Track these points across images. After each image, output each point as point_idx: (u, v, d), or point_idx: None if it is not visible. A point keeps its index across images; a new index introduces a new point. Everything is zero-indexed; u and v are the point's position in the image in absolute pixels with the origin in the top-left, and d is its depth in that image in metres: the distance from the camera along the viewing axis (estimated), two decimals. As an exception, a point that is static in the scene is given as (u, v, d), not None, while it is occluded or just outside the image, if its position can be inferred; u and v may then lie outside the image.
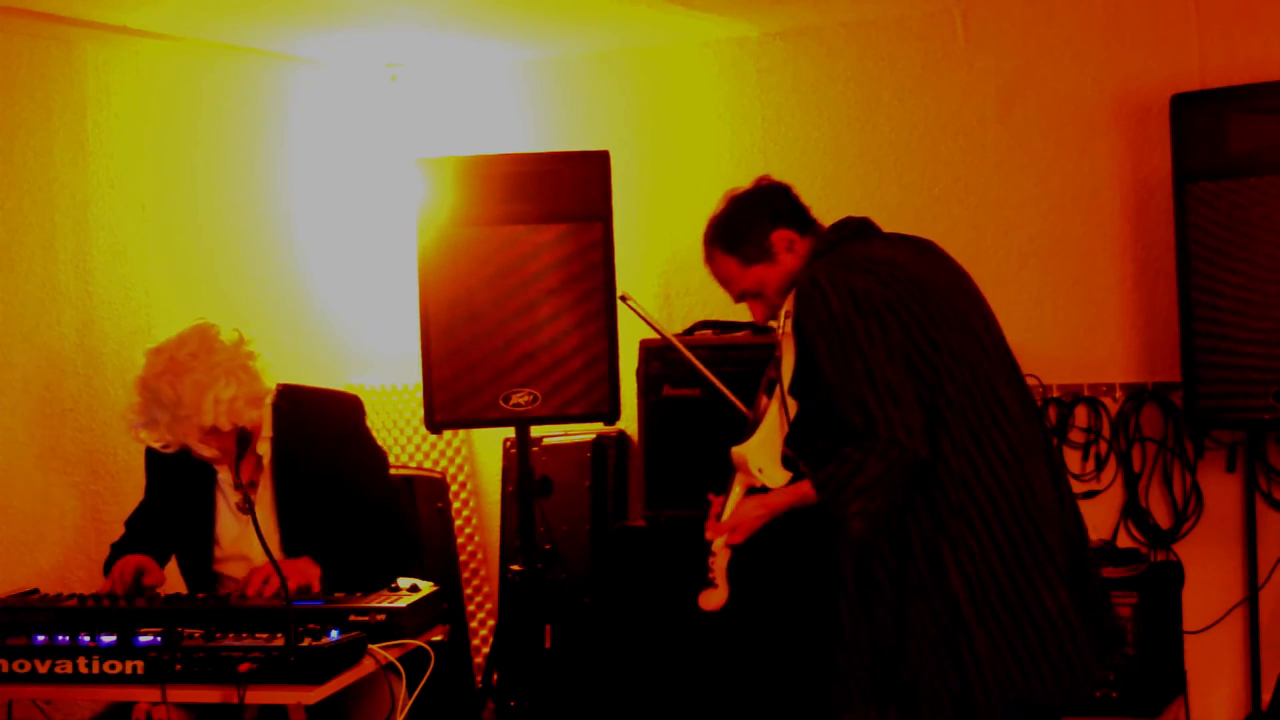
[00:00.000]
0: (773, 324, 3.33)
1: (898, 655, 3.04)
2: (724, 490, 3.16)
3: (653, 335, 4.81)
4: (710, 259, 3.35)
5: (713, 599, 3.10)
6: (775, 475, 3.13)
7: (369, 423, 3.93)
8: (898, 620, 3.04)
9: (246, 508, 3.59)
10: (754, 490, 3.14)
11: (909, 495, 3.02)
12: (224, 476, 3.71)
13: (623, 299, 3.64)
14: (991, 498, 3.02)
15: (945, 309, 3.09)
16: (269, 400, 3.68)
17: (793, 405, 3.10)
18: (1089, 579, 3.15)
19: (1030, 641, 3.01)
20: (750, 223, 3.28)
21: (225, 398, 3.51)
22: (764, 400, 3.17)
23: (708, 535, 3.13)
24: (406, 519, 3.98)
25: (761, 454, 3.12)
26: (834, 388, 3.00)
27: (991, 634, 3.00)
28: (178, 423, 3.52)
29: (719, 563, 3.10)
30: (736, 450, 3.13)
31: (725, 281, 3.35)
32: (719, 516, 3.14)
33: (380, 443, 4.02)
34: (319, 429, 3.75)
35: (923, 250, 3.26)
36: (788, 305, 3.13)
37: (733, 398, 3.30)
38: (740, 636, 4.45)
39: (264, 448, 3.71)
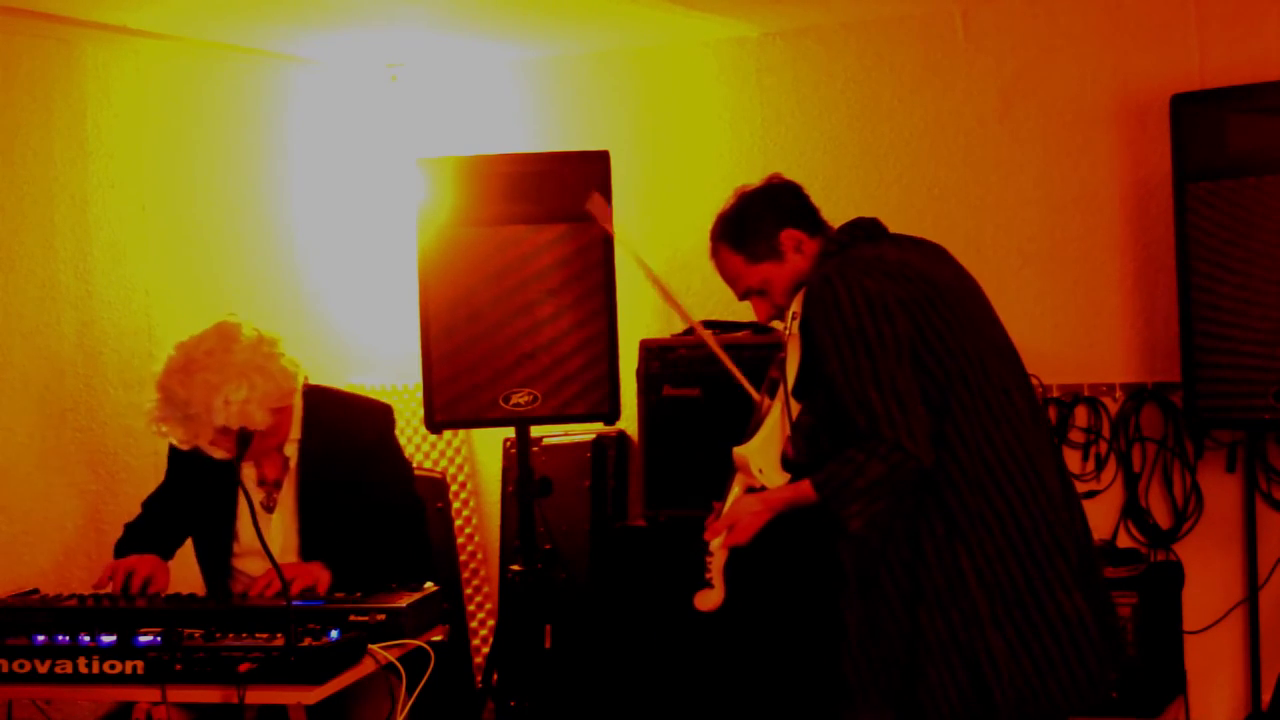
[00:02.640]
0: (776, 324, 3.31)
1: (907, 659, 3.01)
2: (725, 494, 3.15)
3: (652, 335, 4.82)
4: (716, 254, 3.30)
5: (709, 599, 3.08)
6: (775, 477, 3.11)
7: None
8: (908, 624, 3.01)
9: (267, 506, 3.62)
10: (753, 490, 3.12)
11: (919, 501, 2.99)
12: (248, 473, 3.72)
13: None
14: (1006, 498, 3.00)
15: (956, 309, 3.07)
16: (297, 401, 3.67)
17: (795, 407, 3.08)
18: (1098, 580, 3.14)
19: (1048, 645, 2.98)
20: (758, 220, 3.23)
21: (236, 399, 3.48)
22: (766, 401, 3.16)
23: (706, 535, 3.10)
24: (426, 532, 3.96)
25: (762, 455, 3.10)
26: (840, 388, 2.96)
27: (1009, 638, 2.97)
28: (189, 421, 3.51)
29: (716, 563, 3.08)
30: (738, 450, 3.11)
31: (730, 278, 3.31)
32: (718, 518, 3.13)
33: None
34: (348, 435, 3.74)
35: (931, 253, 3.24)
36: (795, 307, 3.10)
37: (748, 386, 3.29)
38: (740, 636, 4.45)
39: (291, 449, 3.71)
